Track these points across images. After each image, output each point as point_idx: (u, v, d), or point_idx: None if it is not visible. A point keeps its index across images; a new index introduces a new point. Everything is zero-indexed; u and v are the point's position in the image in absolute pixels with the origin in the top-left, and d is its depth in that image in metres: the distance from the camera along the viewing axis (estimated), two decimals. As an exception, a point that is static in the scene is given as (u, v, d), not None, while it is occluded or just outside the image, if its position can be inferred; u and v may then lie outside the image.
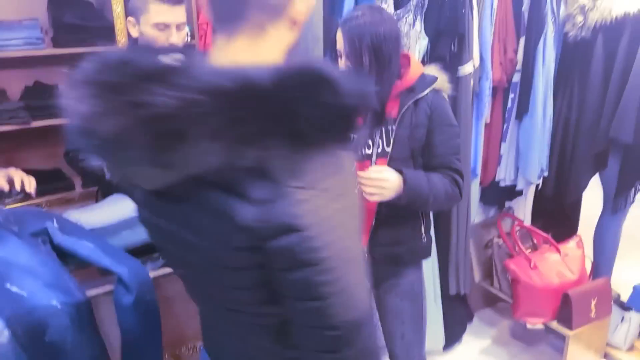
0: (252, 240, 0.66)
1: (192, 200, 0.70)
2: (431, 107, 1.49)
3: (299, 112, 0.62)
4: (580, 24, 2.15)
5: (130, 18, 1.69)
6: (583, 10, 2.14)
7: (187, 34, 2.67)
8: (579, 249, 2.37)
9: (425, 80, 1.50)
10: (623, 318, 2.43)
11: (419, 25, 2.12)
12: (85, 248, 1.25)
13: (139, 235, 1.42)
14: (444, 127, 1.50)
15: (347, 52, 1.44)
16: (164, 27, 1.64)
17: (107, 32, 2.43)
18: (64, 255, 1.25)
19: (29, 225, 1.32)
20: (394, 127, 1.50)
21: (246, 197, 0.65)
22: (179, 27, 1.67)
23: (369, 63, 1.42)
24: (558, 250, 2.33)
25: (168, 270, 1.30)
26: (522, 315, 2.29)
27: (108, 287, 1.19)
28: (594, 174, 2.35)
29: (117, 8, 2.42)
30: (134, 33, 1.71)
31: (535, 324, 2.38)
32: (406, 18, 2.14)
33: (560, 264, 2.32)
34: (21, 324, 1.04)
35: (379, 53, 1.42)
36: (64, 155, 1.77)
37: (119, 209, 1.58)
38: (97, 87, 0.62)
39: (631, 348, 2.45)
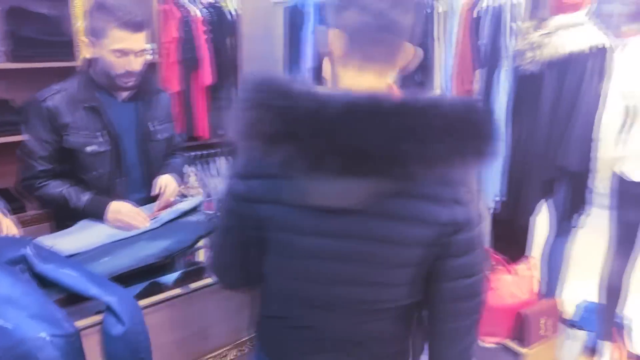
0: (438, 236, 0.86)
1: (376, 211, 0.84)
2: None
3: (481, 136, 0.80)
4: (531, 60, 2.31)
5: (88, 38, 1.63)
6: (533, 46, 2.31)
7: (151, 53, 2.64)
8: (529, 270, 2.51)
9: None
10: (569, 335, 2.59)
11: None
12: (68, 277, 1.20)
13: (120, 261, 1.38)
14: None
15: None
16: (123, 54, 1.59)
17: (65, 47, 2.36)
18: (45, 284, 1.19)
19: (4, 253, 1.25)
20: None
21: (438, 202, 0.85)
22: (138, 53, 1.63)
23: None
24: (510, 272, 2.46)
25: (152, 299, 1.27)
26: (480, 334, 2.38)
27: (96, 318, 1.14)
28: (542, 199, 2.51)
29: (78, 23, 2.36)
30: (89, 54, 1.65)
31: (491, 342, 2.49)
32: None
33: (513, 284, 2.45)
34: (8, 358, 0.99)
35: None
36: (20, 182, 1.70)
37: (94, 234, 1.54)
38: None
39: (577, 363, 2.62)
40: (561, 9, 2.29)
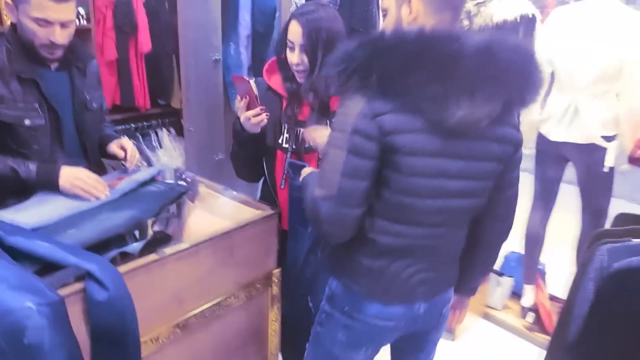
0: (512, 153, 1.21)
1: (485, 134, 1.15)
2: None
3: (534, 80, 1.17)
4: (467, 28, 2.46)
5: (9, 1, 1.51)
6: (469, 15, 2.45)
7: (82, 17, 2.51)
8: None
9: None
10: (498, 282, 2.85)
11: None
12: (42, 247, 1.19)
13: (87, 232, 1.37)
14: None
15: (304, 44, 1.51)
16: (47, 23, 1.48)
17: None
18: (15, 258, 1.17)
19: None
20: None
21: (514, 127, 1.21)
22: (64, 25, 1.51)
23: (322, 57, 1.51)
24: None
25: (128, 266, 1.29)
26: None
27: (78, 286, 1.15)
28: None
29: (1, -17, 2.20)
30: (12, 19, 1.55)
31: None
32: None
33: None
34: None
35: (332, 48, 1.53)
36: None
37: (52, 207, 1.50)
38: None
39: (505, 307, 2.90)
40: (491, -21, 2.44)
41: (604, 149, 2.31)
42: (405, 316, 1.31)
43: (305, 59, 1.53)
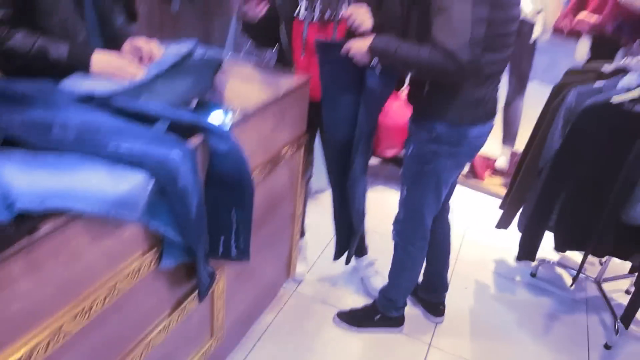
0: None
1: None
2: None
3: None
4: None
5: None
6: None
7: None
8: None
9: None
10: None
11: None
12: (155, 106, 1.25)
13: (163, 97, 1.41)
14: None
15: None
16: None
17: None
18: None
19: (62, 95, 1.22)
20: None
21: None
22: None
23: None
24: (398, 98, 2.98)
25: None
26: (383, 150, 2.93)
27: (199, 139, 1.25)
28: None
29: None
30: None
31: (391, 155, 3.04)
32: None
33: (402, 106, 2.98)
34: (160, 173, 1.09)
35: None
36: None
37: (106, 81, 1.46)
38: None
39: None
40: None
41: (531, 24, 2.74)
42: (491, 126, 1.72)
43: None
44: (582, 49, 2.64)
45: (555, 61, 3.58)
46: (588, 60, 2.62)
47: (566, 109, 1.87)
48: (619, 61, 1.92)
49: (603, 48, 2.60)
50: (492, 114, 1.70)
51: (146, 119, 1.24)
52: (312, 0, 1.77)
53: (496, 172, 3.34)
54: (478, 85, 1.57)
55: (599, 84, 1.84)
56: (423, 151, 1.70)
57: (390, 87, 1.75)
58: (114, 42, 1.68)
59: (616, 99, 1.74)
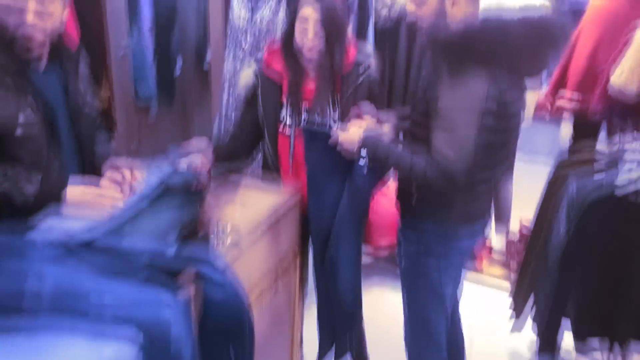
0: None
1: None
2: (370, 82, 1.78)
3: None
4: (386, 15, 2.71)
5: None
6: (388, 5, 2.70)
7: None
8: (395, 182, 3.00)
9: (363, 58, 1.77)
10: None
11: (282, 12, 2.33)
12: (140, 247, 1.13)
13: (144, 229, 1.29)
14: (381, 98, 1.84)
15: (323, 21, 1.63)
16: None
17: None
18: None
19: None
20: (337, 99, 1.74)
21: None
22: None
23: (338, 35, 1.64)
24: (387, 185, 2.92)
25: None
26: (376, 239, 2.80)
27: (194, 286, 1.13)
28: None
29: None
30: None
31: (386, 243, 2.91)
32: (270, 6, 2.32)
33: (392, 193, 2.90)
34: (150, 334, 0.96)
35: (343, 26, 1.66)
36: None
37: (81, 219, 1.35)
38: None
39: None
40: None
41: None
42: (484, 225, 1.66)
43: (322, 35, 1.64)
44: (566, 131, 2.65)
45: (537, 131, 3.58)
46: (572, 140, 2.62)
47: (568, 202, 1.81)
48: (612, 147, 1.90)
49: (586, 126, 2.62)
50: (484, 213, 1.63)
51: (132, 262, 1.12)
52: (296, 104, 1.73)
53: (493, 255, 3.24)
54: (472, 189, 1.51)
55: (598, 175, 1.79)
56: (415, 264, 1.62)
57: (379, 177, 1.71)
58: (93, 165, 1.60)
59: (620, 191, 1.70)
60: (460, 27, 1.33)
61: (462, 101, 1.34)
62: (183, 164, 1.57)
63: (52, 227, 1.27)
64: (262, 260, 1.53)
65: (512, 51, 1.33)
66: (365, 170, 1.59)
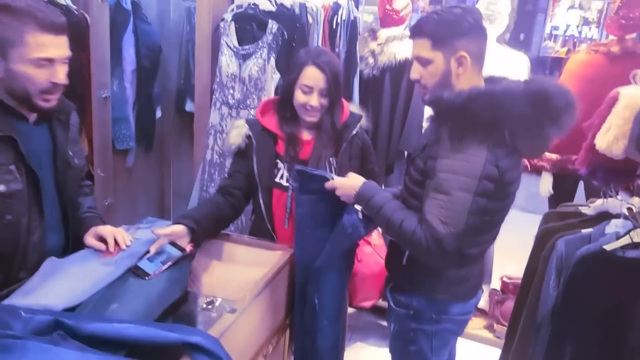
0: None
1: None
2: (362, 141, 1.78)
3: None
4: (372, 65, 2.74)
5: None
6: (373, 54, 2.73)
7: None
8: (381, 239, 2.99)
9: (355, 117, 1.77)
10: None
11: (273, 61, 2.33)
12: (130, 329, 1.07)
13: (134, 305, 1.24)
14: (372, 156, 1.83)
15: (327, 87, 1.63)
16: (47, 62, 1.32)
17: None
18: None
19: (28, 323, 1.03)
20: (333, 159, 1.73)
21: None
22: (65, 62, 1.38)
23: (338, 96, 1.65)
24: (369, 243, 2.89)
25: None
26: (360, 301, 2.75)
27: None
28: (385, 176, 3.00)
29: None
30: None
31: (369, 306, 2.88)
32: (260, 54, 2.32)
33: (373, 253, 2.88)
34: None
35: (340, 89, 1.66)
36: None
37: (70, 282, 1.30)
38: None
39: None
40: (387, 23, 2.77)
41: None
42: (475, 303, 1.59)
43: (325, 101, 1.63)
44: (545, 184, 2.68)
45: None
46: (554, 198, 2.65)
47: (557, 258, 1.81)
48: (598, 205, 1.92)
49: (565, 181, 2.66)
50: (476, 289, 1.58)
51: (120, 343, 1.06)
52: (294, 161, 1.71)
53: (476, 312, 3.22)
54: (460, 267, 1.47)
55: (586, 232, 1.81)
56: (404, 330, 1.57)
57: (366, 230, 1.63)
58: (77, 228, 1.57)
59: (608, 247, 1.70)
60: (463, 97, 1.31)
61: (460, 166, 1.31)
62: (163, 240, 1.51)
63: (31, 297, 1.22)
64: (255, 324, 1.46)
65: (512, 132, 1.29)
66: (359, 216, 1.54)
